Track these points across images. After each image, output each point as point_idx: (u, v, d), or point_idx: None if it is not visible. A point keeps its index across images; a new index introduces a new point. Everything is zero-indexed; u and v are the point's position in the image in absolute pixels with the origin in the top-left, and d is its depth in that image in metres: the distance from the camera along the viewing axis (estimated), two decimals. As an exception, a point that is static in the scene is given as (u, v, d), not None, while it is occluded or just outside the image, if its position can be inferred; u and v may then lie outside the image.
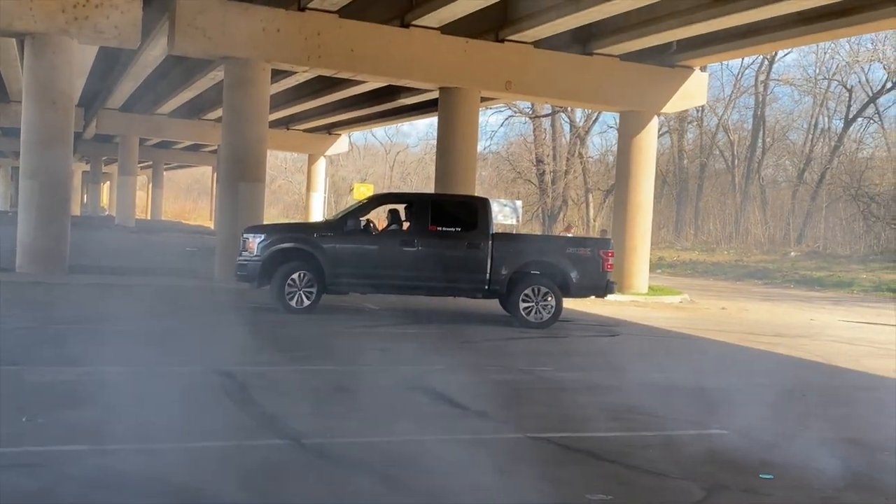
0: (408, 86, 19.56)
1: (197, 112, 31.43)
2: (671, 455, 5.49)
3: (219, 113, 25.05)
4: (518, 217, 36.77)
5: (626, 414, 6.67)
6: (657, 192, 43.81)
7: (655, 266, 30.78)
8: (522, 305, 11.80)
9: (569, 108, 42.34)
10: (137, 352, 7.98)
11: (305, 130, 35.42)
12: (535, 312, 11.82)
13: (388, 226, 12.48)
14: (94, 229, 30.33)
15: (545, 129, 48.50)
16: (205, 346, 8.67)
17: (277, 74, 20.23)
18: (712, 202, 43.18)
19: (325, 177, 38.86)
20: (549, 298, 11.83)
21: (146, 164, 52.56)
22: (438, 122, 17.37)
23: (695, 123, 43.85)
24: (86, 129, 36.83)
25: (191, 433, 5.29)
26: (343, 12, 15.40)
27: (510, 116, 47.65)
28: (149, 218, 51.55)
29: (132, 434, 5.19)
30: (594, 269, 12.07)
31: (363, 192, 34.05)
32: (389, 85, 21.37)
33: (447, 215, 12.17)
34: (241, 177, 15.34)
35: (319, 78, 22.16)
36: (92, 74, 25.28)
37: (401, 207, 12.62)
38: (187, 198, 75.49)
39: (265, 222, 15.57)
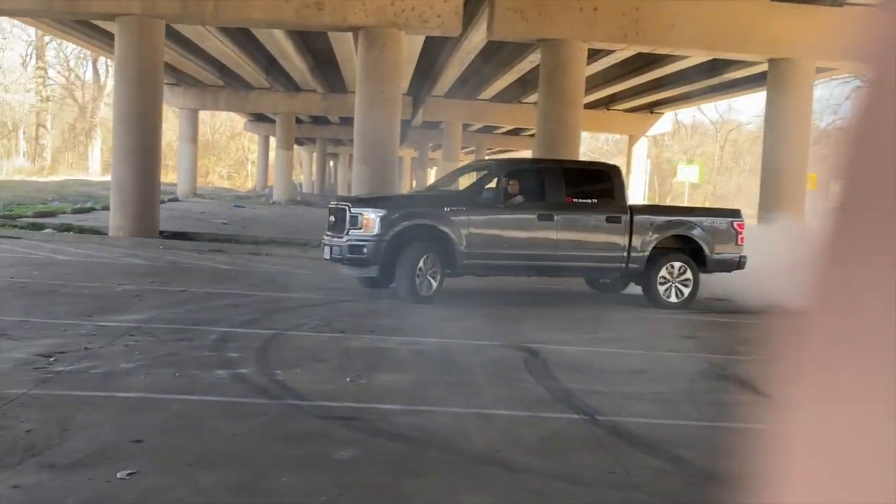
0: (732, 59, 18.95)
1: (517, 96, 32.70)
2: None
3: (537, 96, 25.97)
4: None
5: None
6: None
7: None
8: (660, 284, 11.16)
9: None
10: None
11: (626, 110, 35.41)
12: (675, 291, 11.17)
13: (512, 197, 10.98)
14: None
15: (903, 100, 44.17)
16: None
17: (596, 54, 20.59)
18: None
19: (646, 158, 38.58)
20: (687, 275, 11.16)
21: (469, 149, 55.56)
22: (767, 98, 16.70)
23: None
24: (414, 117, 39.82)
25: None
26: (662, -15, 15.37)
27: (859, 87, 44.00)
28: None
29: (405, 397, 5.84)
30: (729, 242, 11.40)
31: (687, 174, 33.42)
32: (714, 59, 20.83)
33: (581, 185, 11.28)
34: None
35: (639, 55, 22.14)
36: (419, 63, 27.36)
37: (528, 175, 11.38)
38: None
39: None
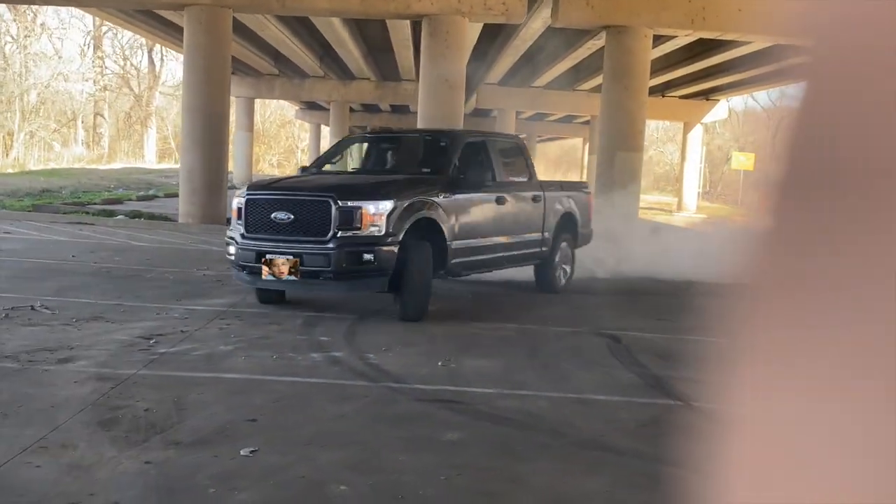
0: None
1: (572, 83, 32.44)
2: None
3: (593, 83, 25.81)
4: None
5: None
6: None
7: None
8: (557, 267, 10.09)
9: None
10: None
11: (681, 97, 35.01)
12: (562, 274, 10.16)
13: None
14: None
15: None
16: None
17: (657, 39, 20.38)
18: None
19: (701, 146, 38.13)
20: (567, 254, 10.23)
21: (521, 136, 55.48)
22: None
23: None
24: (466, 104, 39.74)
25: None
26: (729, -30, 15.18)
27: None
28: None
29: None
30: (587, 216, 10.61)
31: (742, 161, 32.96)
32: (776, 44, 20.52)
33: (507, 160, 9.64)
34: (619, 146, 15.84)
35: (698, 41, 21.88)
36: (474, 51, 27.29)
37: (468, 150, 9.06)
38: (556, 170, 78.31)
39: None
